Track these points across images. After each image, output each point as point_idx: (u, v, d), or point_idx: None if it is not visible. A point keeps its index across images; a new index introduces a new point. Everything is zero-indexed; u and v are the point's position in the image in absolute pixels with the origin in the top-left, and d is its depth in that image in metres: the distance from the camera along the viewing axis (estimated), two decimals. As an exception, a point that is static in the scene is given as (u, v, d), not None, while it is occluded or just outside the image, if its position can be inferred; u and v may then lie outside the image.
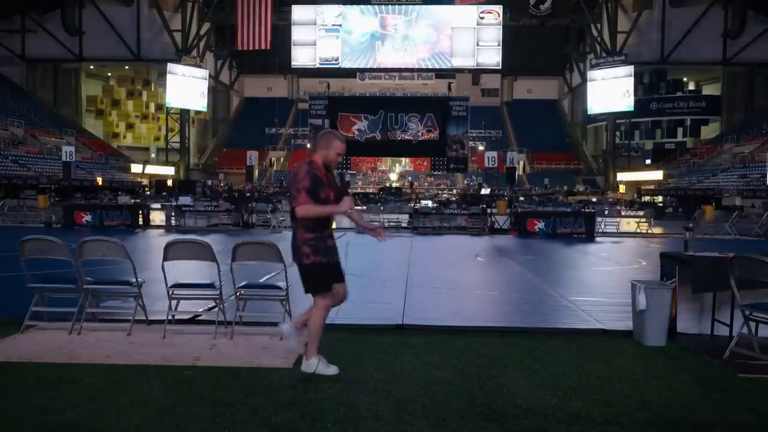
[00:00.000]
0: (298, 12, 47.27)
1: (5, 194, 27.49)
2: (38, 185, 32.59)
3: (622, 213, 24.06)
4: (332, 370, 4.02)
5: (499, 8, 46.85)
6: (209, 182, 43.02)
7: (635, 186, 43.32)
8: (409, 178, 49.44)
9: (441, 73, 50.34)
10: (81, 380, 3.86)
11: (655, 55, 44.94)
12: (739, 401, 3.73)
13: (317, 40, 47.60)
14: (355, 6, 47.75)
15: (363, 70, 49.84)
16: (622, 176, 44.87)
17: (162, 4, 45.83)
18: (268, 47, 45.20)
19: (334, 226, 4.30)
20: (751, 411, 3.58)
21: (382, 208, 23.42)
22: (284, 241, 4.51)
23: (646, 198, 38.51)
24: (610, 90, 43.37)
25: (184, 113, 46.71)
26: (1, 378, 3.91)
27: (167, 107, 46.01)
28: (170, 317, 5.17)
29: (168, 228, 18.06)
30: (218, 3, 45.56)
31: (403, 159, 52.70)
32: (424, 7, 47.77)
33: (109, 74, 52.30)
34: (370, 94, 49.12)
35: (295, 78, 57.43)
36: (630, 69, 42.86)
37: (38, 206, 25.64)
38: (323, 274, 3.99)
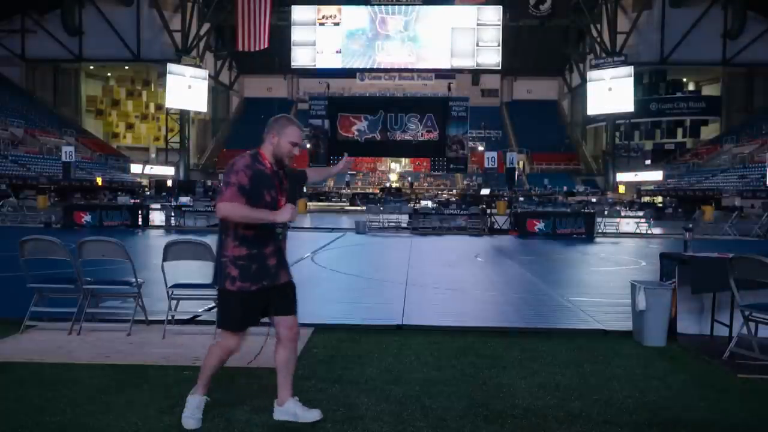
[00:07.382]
0: (298, 12, 47.28)
1: (5, 194, 27.46)
2: (38, 185, 32.62)
3: (622, 213, 24.07)
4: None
5: (498, 8, 46.85)
6: (209, 182, 42.97)
7: (635, 186, 43.29)
8: (409, 179, 49.37)
9: (441, 74, 50.30)
10: (81, 380, 3.86)
11: (655, 56, 44.92)
12: (738, 401, 3.73)
13: (317, 41, 47.62)
14: (354, 6, 47.75)
15: (363, 71, 49.81)
16: (621, 177, 44.85)
17: (162, 4, 45.79)
18: (268, 47, 45.18)
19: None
20: (750, 411, 3.58)
21: (381, 208, 23.42)
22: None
23: (646, 198, 38.51)
24: (609, 90, 43.35)
25: (183, 113, 46.64)
26: (1, 378, 3.91)
27: (167, 107, 46.00)
28: (170, 317, 5.17)
29: (168, 228, 18.07)
30: (218, 3, 45.52)
31: (403, 159, 52.67)
32: (424, 7, 47.76)
33: (109, 74, 52.24)
34: (370, 94, 49.04)
35: (295, 78, 57.45)
36: (630, 69, 42.81)
37: (38, 206, 25.64)
38: (243, 307, 3.10)
